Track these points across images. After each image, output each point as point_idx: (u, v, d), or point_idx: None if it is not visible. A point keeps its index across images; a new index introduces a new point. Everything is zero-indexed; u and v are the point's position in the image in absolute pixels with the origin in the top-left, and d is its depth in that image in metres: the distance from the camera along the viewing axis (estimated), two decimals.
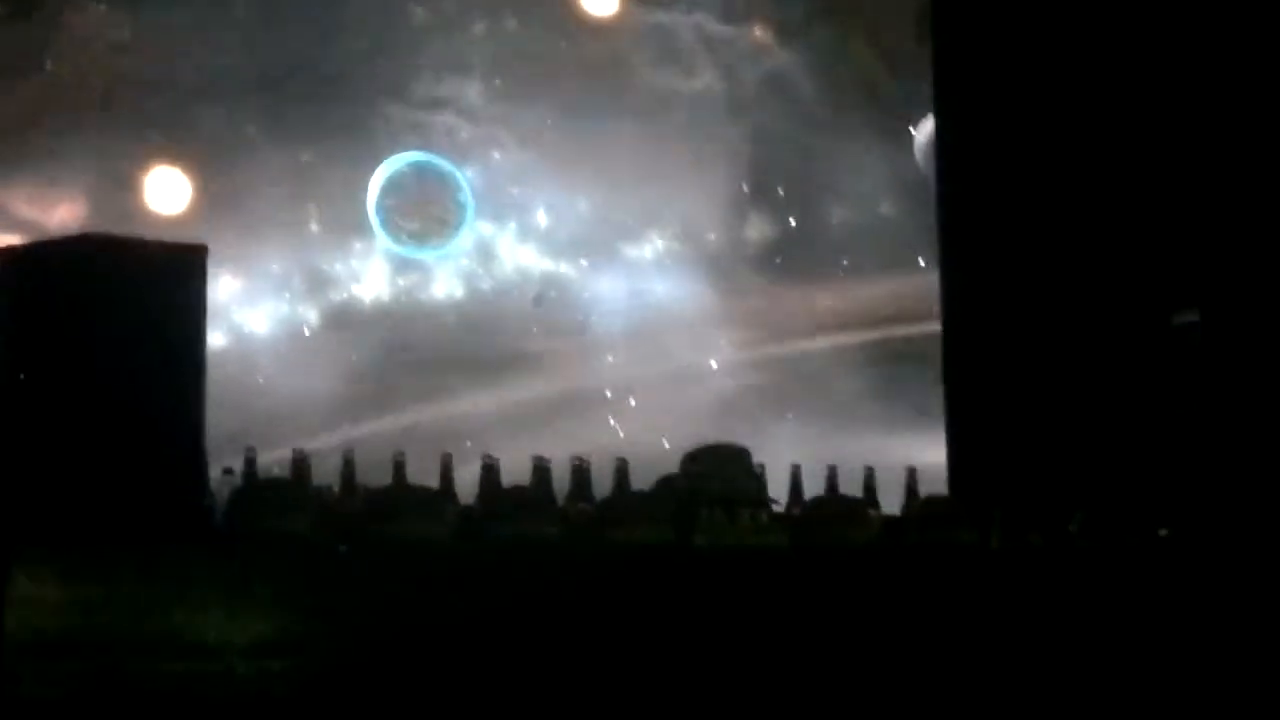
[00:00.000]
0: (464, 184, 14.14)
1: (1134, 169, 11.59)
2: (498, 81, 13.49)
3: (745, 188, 13.64)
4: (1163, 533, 9.37)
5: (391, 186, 14.10)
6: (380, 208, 14.01)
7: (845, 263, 13.83)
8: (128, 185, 12.75)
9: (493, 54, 13.49)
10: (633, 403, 13.34)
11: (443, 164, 14.17)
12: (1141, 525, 9.35)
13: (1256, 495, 9.93)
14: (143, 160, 12.83)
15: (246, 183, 12.97)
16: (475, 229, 14.04)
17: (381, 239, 14.04)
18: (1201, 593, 8.97)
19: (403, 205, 14.05)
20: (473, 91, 13.43)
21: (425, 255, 14.00)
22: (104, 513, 8.14)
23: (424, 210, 14.11)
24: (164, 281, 8.89)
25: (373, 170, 13.64)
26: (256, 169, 13.04)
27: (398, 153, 14.12)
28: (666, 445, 11.36)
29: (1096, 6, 11.77)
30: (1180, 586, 9.00)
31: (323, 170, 13.12)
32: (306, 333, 13.01)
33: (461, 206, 14.08)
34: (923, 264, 13.33)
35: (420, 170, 14.14)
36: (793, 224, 13.71)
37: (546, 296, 13.44)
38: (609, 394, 13.31)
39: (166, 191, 12.82)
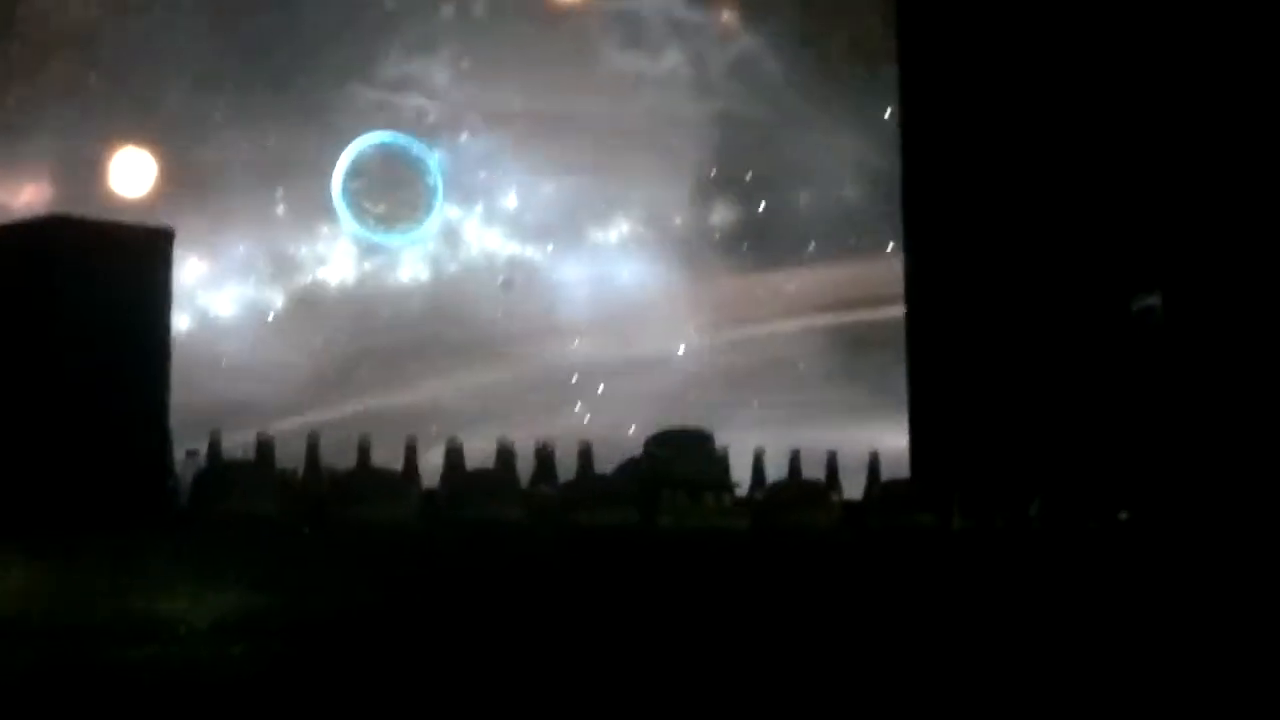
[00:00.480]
0: (434, 166, 13.85)
1: (1095, 154, 11.71)
2: (465, 63, 13.53)
3: (712, 172, 13.71)
4: (1123, 516, 9.50)
5: (358, 168, 13.74)
6: (346, 191, 13.71)
7: (812, 247, 13.91)
8: (93, 168, 12.78)
9: (460, 36, 13.53)
10: (599, 388, 13.43)
11: (412, 144, 13.86)
12: (1102, 508, 9.47)
13: (1216, 478, 10.06)
14: (108, 143, 12.86)
15: (212, 165, 13.00)
16: (443, 213, 13.75)
17: (347, 223, 13.75)
18: (1161, 576, 9.11)
19: (369, 188, 13.81)
20: (440, 73, 13.46)
21: (392, 241, 13.73)
22: (68, 495, 8.21)
23: (392, 194, 13.82)
24: (130, 264, 8.96)
25: (339, 153, 13.56)
26: (222, 152, 13.06)
27: (364, 134, 13.82)
28: (632, 430, 11.46)
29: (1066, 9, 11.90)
30: (1140, 569, 9.14)
31: (289, 153, 13.14)
32: (271, 317, 13.05)
33: (431, 190, 13.73)
34: (891, 249, 13.44)
35: (388, 151, 13.81)
36: (760, 208, 13.79)
37: (514, 281, 13.43)
38: (575, 379, 13.38)
39: (132, 174, 12.85)
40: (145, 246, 9.09)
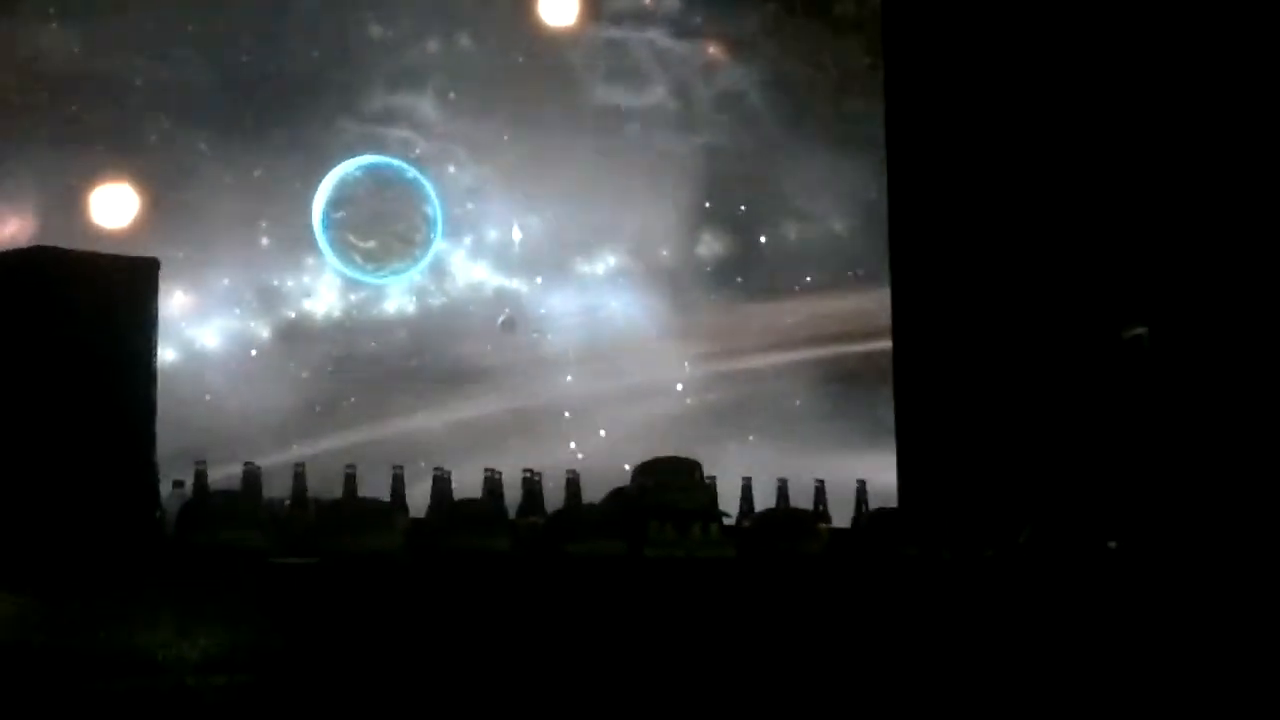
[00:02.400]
0: (431, 194, 12.93)
1: (1084, 187, 11.93)
2: (452, 95, 13.71)
3: (699, 204, 13.92)
4: (1112, 545, 9.68)
5: (342, 197, 12.81)
6: (328, 223, 12.81)
7: (803, 280, 14.10)
8: (76, 201, 12.95)
9: (446, 68, 13.72)
10: (589, 420, 13.58)
11: (404, 168, 12.93)
12: (1091, 537, 9.66)
13: (1204, 509, 10.26)
14: (91, 175, 13.02)
15: (197, 198, 13.16)
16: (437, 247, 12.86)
17: (332, 261, 12.93)
18: (1149, 605, 9.30)
19: (357, 220, 13.24)
20: (426, 106, 13.63)
21: (384, 281, 12.81)
22: (53, 527, 8.37)
23: (383, 226, 13.02)
24: (115, 295, 9.13)
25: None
26: (207, 184, 13.22)
27: (349, 158, 13.01)
28: (624, 464, 11.62)
29: (1048, 30, 12.12)
30: (1129, 598, 9.33)
31: (274, 185, 13.30)
32: (256, 350, 13.17)
33: (429, 221, 12.77)
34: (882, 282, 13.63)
35: (378, 176, 12.88)
36: (749, 241, 13.99)
37: (515, 321, 13.34)
38: (567, 414, 13.50)
39: (115, 207, 12.98)
40: (131, 277, 9.25)
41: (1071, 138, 11.95)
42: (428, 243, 13.09)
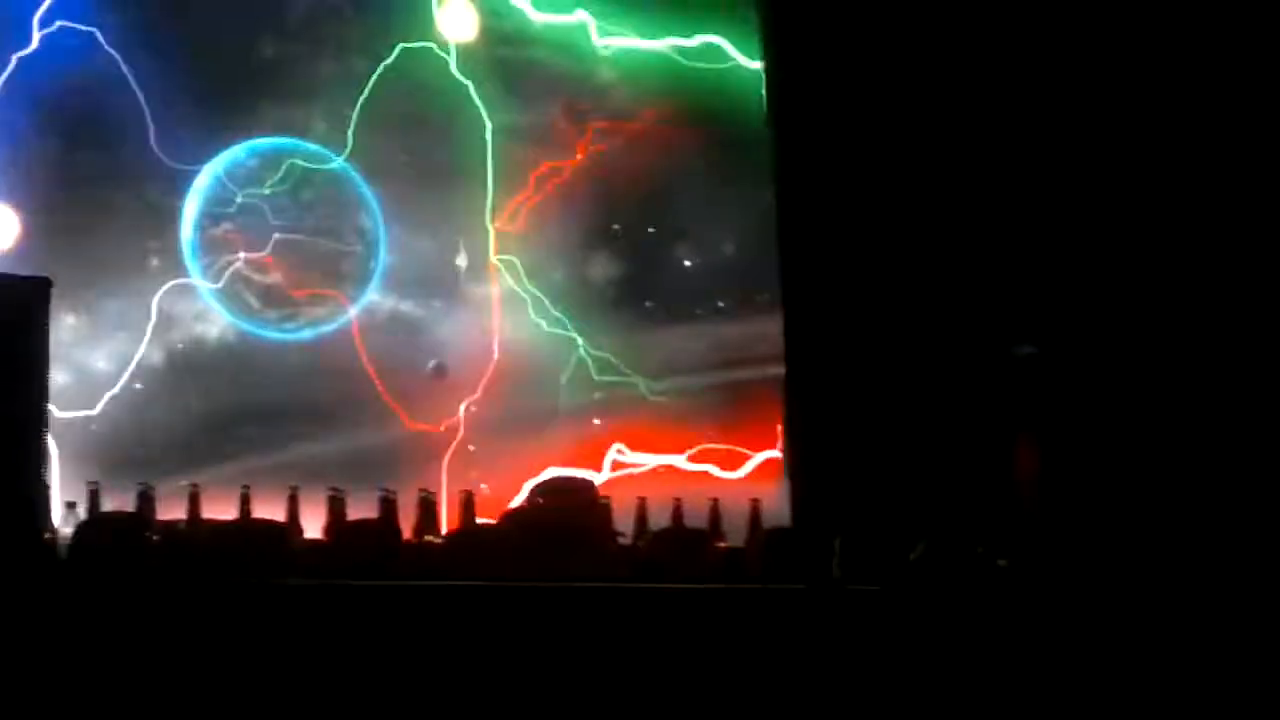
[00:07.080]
0: (367, 194, 9.39)
1: (974, 211, 12.43)
2: (345, 111, 13.88)
3: (593, 227, 14.21)
4: (1001, 563, 10.14)
5: (224, 200, 9.26)
6: (200, 245, 9.60)
7: (700, 303, 14.43)
8: None
9: (340, 86, 13.92)
10: (485, 444, 13.79)
11: (324, 154, 8.87)
12: (981, 554, 10.11)
13: (1091, 527, 10.73)
14: None
15: (84, 219, 13.31)
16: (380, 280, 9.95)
17: (212, 301, 10.08)
18: (1039, 622, 9.75)
19: (251, 239, 11.42)
20: (320, 122, 13.76)
21: (295, 337, 9.95)
22: None
23: (294, 250, 10.23)
24: (7, 314, 9.43)
25: None
26: (94, 205, 13.36)
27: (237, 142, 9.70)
28: (522, 486, 11.99)
29: (937, 50, 12.61)
30: (1018, 615, 9.77)
31: (164, 204, 13.44)
32: (147, 373, 13.25)
33: (366, 239, 9.36)
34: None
35: (282, 168, 9.67)
36: (644, 264, 14.31)
37: (444, 366, 13.28)
38: (471, 448, 13.65)
39: None
40: (22, 296, 9.57)
41: (961, 158, 12.44)
42: (366, 276, 9.07)
